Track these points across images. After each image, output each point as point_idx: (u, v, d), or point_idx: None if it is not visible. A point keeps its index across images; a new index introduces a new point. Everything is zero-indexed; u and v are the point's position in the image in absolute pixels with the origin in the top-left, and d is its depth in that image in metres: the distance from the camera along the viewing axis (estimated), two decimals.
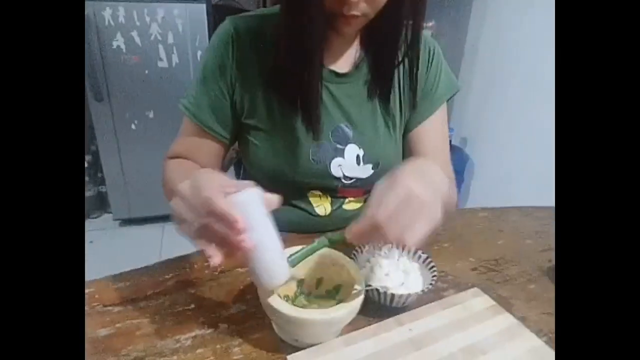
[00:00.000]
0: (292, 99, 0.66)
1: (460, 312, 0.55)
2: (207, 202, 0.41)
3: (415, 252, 0.59)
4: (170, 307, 0.55)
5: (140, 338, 0.50)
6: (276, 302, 0.46)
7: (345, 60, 0.70)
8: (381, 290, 0.52)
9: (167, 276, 0.61)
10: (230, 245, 0.42)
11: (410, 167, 0.46)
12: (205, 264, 0.63)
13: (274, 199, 0.45)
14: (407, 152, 0.76)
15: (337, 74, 0.69)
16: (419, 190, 0.42)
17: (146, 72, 1.74)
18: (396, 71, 0.70)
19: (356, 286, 0.50)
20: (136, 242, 1.91)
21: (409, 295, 0.52)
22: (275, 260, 0.46)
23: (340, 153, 0.70)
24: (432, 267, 0.57)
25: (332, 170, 0.70)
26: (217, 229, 0.41)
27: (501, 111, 1.89)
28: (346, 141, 0.70)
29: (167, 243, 1.90)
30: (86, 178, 2.03)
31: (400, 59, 0.68)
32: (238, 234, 0.41)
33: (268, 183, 0.69)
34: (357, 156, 0.71)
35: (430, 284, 0.54)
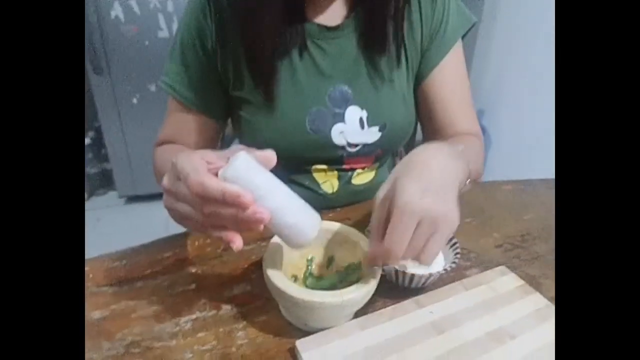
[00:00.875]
0: (270, 63, 0.60)
1: (486, 292, 0.50)
2: (198, 190, 0.35)
3: None
4: (169, 288, 0.51)
5: (136, 321, 0.46)
6: (283, 283, 0.42)
7: (335, 11, 0.62)
8: (399, 270, 0.47)
9: (166, 254, 0.56)
10: (244, 222, 0.37)
11: (410, 170, 0.41)
12: (207, 241, 0.59)
13: (268, 155, 0.39)
14: (422, 107, 0.69)
15: (327, 28, 0.62)
16: (426, 206, 0.38)
17: (146, 43, 1.67)
18: (393, 17, 0.61)
19: (368, 275, 0.45)
20: (142, 220, 1.88)
21: (430, 275, 0.47)
22: (299, 216, 0.41)
23: (340, 118, 0.63)
24: (455, 244, 0.52)
25: (333, 138, 0.64)
26: (222, 212, 0.36)
27: (519, 82, 1.79)
28: (346, 103, 0.63)
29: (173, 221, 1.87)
30: (89, 155, 1.99)
31: (395, 2, 0.60)
32: (247, 208, 0.35)
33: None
34: (360, 119, 0.64)
35: (454, 262, 0.49)
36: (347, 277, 0.48)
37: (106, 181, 2.06)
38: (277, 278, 0.42)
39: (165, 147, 0.66)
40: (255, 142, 0.65)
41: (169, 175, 0.39)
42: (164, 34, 1.68)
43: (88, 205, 1.98)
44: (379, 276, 0.44)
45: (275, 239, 0.47)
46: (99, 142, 1.95)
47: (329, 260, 0.50)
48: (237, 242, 0.38)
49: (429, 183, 0.39)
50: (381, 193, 0.42)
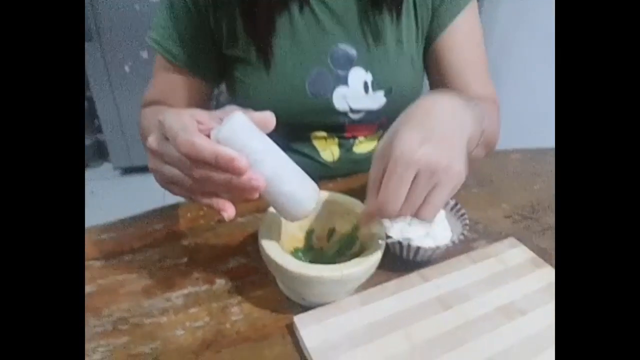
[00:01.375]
0: (267, 17, 0.55)
1: (495, 265, 0.47)
2: (187, 150, 0.32)
3: None
4: (159, 261, 0.48)
5: (124, 296, 0.44)
6: (279, 256, 0.39)
7: None
8: (404, 243, 0.44)
9: (156, 226, 0.53)
10: (238, 190, 0.33)
11: (411, 119, 0.37)
12: (200, 212, 0.56)
13: (267, 117, 0.36)
14: (433, 71, 0.64)
15: None
16: (425, 156, 0.34)
17: (136, 7, 1.58)
18: None
19: (374, 238, 0.42)
20: (139, 192, 1.85)
21: (437, 247, 0.44)
22: (296, 185, 0.37)
23: (343, 80, 0.59)
24: (462, 214, 0.48)
25: (335, 103, 0.59)
26: (214, 176, 0.33)
27: (527, 47, 1.72)
28: (349, 64, 0.59)
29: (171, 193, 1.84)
30: None
31: None
32: (242, 174, 0.32)
33: None
34: (365, 82, 0.59)
35: (462, 234, 0.46)
36: (347, 249, 0.46)
37: (100, 153, 2.01)
38: (274, 250, 0.39)
39: (152, 107, 0.62)
40: (250, 107, 0.60)
41: (156, 134, 0.35)
42: None
43: None
44: (382, 249, 0.41)
45: (273, 209, 0.44)
46: (91, 112, 1.89)
47: (330, 233, 0.47)
48: (229, 210, 0.34)
49: (430, 131, 0.35)
50: (380, 145, 0.38)
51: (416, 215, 0.36)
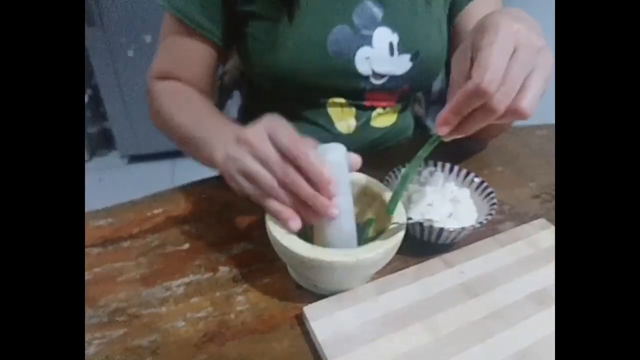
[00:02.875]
0: None
1: (524, 249, 0.43)
2: (295, 156, 0.34)
3: (465, 176, 0.46)
4: (159, 248, 0.45)
5: (121, 285, 0.41)
6: (288, 239, 0.35)
7: None
8: (425, 224, 0.40)
9: (156, 211, 0.50)
10: (311, 210, 0.35)
11: (501, 11, 0.34)
12: (202, 196, 0.52)
13: (357, 160, 0.38)
14: (455, 41, 0.59)
15: None
16: (526, 32, 0.31)
17: None
18: None
19: (393, 221, 0.38)
20: (146, 180, 1.84)
21: (462, 229, 0.40)
22: (350, 229, 0.38)
23: (368, 41, 0.54)
24: (489, 193, 0.44)
25: (357, 65, 0.55)
26: (301, 189, 0.34)
27: (543, 20, 1.64)
28: (375, 24, 0.54)
29: (179, 180, 1.82)
30: (88, 114, 1.92)
31: None
32: (327, 198, 0.34)
33: (276, 90, 0.54)
34: (390, 44, 0.55)
35: (490, 214, 0.41)
36: (365, 233, 0.42)
37: (107, 141, 2.00)
38: (282, 234, 0.36)
39: (175, 88, 0.57)
40: (265, 68, 0.56)
41: (257, 128, 0.36)
42: None
43: (89, 166, 1.93)
44: (402, 233, 0.37)
45: None
46: (96, 100, 1.87)
47: None
48: (296, 222, 0.35)
49: (520, 19, 0.32)
50: (460, 47, 0.34)
51: (513, 103, 0.31)
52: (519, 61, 0.30)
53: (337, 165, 0.36)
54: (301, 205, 0.35)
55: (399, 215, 0.38)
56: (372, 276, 0.40)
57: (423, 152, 0.36)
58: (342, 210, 0.36)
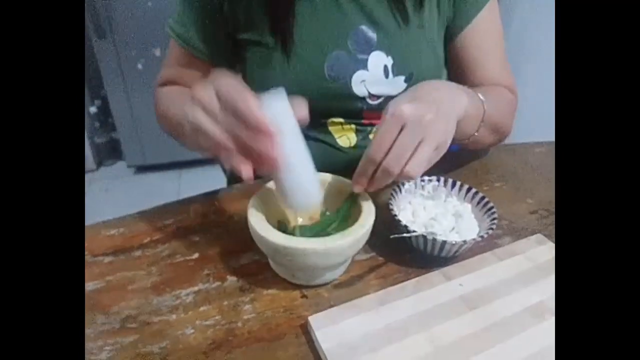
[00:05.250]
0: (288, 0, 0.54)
1: (522, 263, 0.44)
2: (238, 108, 0.35)
3: (467, 192, 0.48)
4: (169, 257, 0.46)
5: (133, 293, 0.42)
6: (265, 229, 0.38)
7: None
8: (428, 237, 0.41)
9: (166, 222, 0.52)
10: (258, 160, 0.36)
11: (406, 92, 0.42)
12: (211, 208, 0.54)
13: (303, 107, 0.38)
14: (453, 64, 0.62)
15: None
16: (410, 110, 0.38)
17: (149, 4, 1.59)
18: None
19: (363, 214, 0.41)
20: (152, 190, 1.86)
21: (464, 242, 0.41)
22: (308, 176, 0.40)
23: (363, 64, 0.57)
24: (490, 208, 0.46)
25: (353, 87, 0.57)
26: (247, 139, 0.35)
27: (545, 37, 1.66)
28: (369, 48, 0.57)
29: (185, 190, 1.85)
30: (97, 124, 1.96)
31: None
32: (272, 147, 0.35)
33: None
34: (385, 67, 0.57)
35: (491, 228, 0.43)
36: (338, 224, 0.44)
37: (114, 151, 2.03)
38: (259, 223, 0.39)
39: (173, 88, 0.63)
40: (265, 90, 0.59)
41: (207, 86, 0.37)
42: None
43: (96, 175, 1.96)
44: (370, 223, 0.40)
45: (269, 185, 0.45)
46: (105, 110, 1.90)
47: (322, 215, 0.46)
48: (248, 171, 0.36)
49: (419, 96, 0.40)
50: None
51: (403, 171, 0.38)
52: (406, 135, 0.38)
53: (280, 114, 0.36)
54: (249, 155, 0.36)
55: (369, 211, 0.41)
56: (375, 287, 0.41)
57: (344, 205, 0.43)
58: (293, 159, 0.37)
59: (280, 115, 0.36)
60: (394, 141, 0.38)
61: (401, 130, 0.38)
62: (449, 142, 0.40)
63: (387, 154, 0.38)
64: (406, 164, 0.38)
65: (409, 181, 0.47)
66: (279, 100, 0.37)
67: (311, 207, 0.41)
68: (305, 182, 0.39)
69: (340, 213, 0.44)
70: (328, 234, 0.41)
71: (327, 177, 0.46)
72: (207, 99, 0.36)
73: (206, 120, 0.36)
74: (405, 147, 0.38)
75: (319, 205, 0.42)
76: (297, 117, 0.38)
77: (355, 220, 0.41)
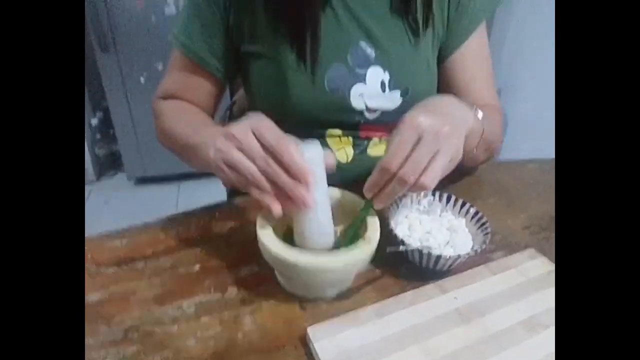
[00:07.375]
0: (296, 16, 0.56)
1: (515, 277, 0.46)
2: (283, 156, 0.38)
3: (461, 207, 0.50)
4: (171, 269, 0.48)
5: (136, 304, 0.43)
6: (269, 239, 0.40)
7: None
8: (424, 251, 0.42)
9: (169, 233, 0.53)
10: (289, 200, 0.39)
11: (419, 105, 0.43)
12: (213, 220, 0.55)
13: (332, 159, 0.42)
14: (443, 84, 0.65)
15: None
16: (428, 122, 0.39)
17: (152, 19, 1.62)
18: None
19: (368, 233, 0.42)
20: (152, 202, 1.87)
21: (458, 256, 0.42)
22: (327, 222, 0.43)
23: (361, 78, 0.59)
24: (484, 223, 0.47)
25: (352, 100, 0.60)
26: (284, 183, 0.38)
27: (538, 59, 1.70)
28: (367, 63, 0.59)
29: (184, 202, 1.85)
30: (98, 136, 1.97)
31: None
32: (305, 190, 0.38)
33: (277, 122, 0.60)
34: (382, 81, 0.59)
35: (485, 242, 0.44)
36: (347, 241, 0.45)
37: (115, 162, 2.04)
38: (264, 234, 0.41)
39: (174, 103, 0.63)
40: (267, 102, 0.61)
41: (242, 124, 0.40)
42: (170, 10, 1.62)
43: (97, 187, 1.97)
44: (373, 245, 0.41)
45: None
46: (107, 122, 1.92)
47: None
48: (278, 207, 0.39)
49: (433, 110, 0.41)
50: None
51: (417, 182, 0.39)
52: (423, 146, 0.39)
53: (314, 161, 0.40)
54: (281, 195, 0.39)
55: (374, 229, 0.42)
56: (371, 299, 0.42)
57: (363, 213, 0.44)
58: (318, 202, 0.40)
59: (314, 163, 0.40)
60: (411, 151, 0.39)
61: (418, 141, 0.39)
62: (461, 155, 0.42)
63: (402, 164, 0.39)
64: (421, 175, 0.39)
65: (420, 193, 0.49)
66: (314, 149, 0.40)
67: (326, 246, 0.43)
68: (324, 225, 0.42)
69: (348, 235, 0.45)
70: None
71: (338, 193, 0.48)
72: (245, 138, 0.39)
73: (243, 159, 0.39)
74: (422, 158, 0.39)
75: (332, 244, 0.44)
76: (325, 164, 0.41)
77: (360, 235, 0.43)
